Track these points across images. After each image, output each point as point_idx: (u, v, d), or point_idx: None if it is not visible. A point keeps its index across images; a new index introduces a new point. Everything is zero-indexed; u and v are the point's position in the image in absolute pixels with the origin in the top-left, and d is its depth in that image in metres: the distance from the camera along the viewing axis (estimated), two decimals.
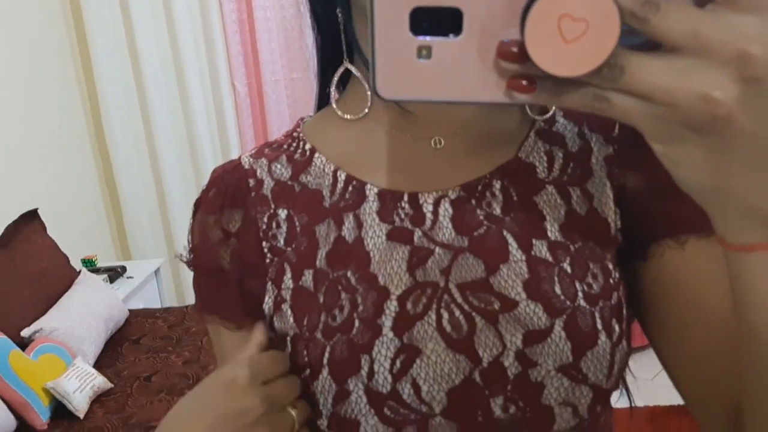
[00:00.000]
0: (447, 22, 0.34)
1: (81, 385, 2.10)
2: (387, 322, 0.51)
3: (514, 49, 0.33)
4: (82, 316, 2.40)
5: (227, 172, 0.61)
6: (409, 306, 0.52)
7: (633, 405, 0.66)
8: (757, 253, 0.36)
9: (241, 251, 0.59)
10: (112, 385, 2.23)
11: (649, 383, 2.28)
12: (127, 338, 2.59)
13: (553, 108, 0.58)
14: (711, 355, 0.51)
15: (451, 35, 0.34)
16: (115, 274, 2.96)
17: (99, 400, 2.15)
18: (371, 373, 0.51)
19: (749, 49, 0.30)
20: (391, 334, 0.51)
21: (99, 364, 2.38)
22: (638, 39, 0.32)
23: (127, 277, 3.00)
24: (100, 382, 2.17)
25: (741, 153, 0.33)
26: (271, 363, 0.53)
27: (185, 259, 0.63)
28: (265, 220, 0.58)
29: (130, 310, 2.76)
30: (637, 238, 0.54)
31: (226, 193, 0.60)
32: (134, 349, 2.51)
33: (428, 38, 0.34)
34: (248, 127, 3.48)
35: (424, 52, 0.34)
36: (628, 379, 0.62)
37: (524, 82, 0.34)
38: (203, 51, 3.29)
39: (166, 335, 2.59)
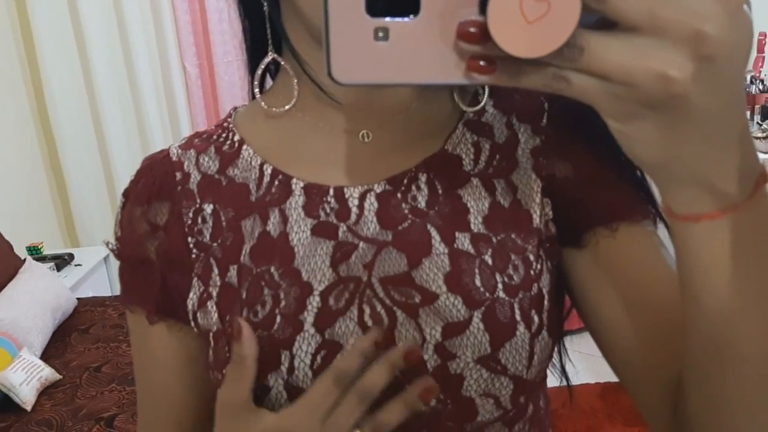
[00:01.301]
0: (404, 2, 0.33)
1: (28, 377, 2.04)
2: (309, 317, 0.51)
3: (475, 30, 0.32)
4: (28, 306, 2.33)
5: (155, 164, 0.61)
6: (331, 301, 0.52)
7: (570, 384, 0.67)
8: (703, 223, 0.37)
9: (167, 245, 0.58)
10: (61, 377, 2.17)
11: (599, 360, 2.34)
12: (75, 328, 2.52)
13: (484, 99, 0.58)
14: (648, 341, 0.52)
15: (411, 16, 0.33)
16: (62, 262, 2.88)
17: (47, 392, 2.10)
18: (291, 369, 0.51)
19: (703, 27, 0.30)
20: (312, 330, 0.51)
21: (46, 356, 2.31)
22: (592, 17, 0.32)
23: (75, 265, 2.93)
24: (47, 373, 2.11)
25: (693, 127, 0.34)
26: (322, 397, 0.49)
27: (112, 248, 0.62)
28: (191, 215, 0.58)
29: (78, 299, 2.69)
30: (571, 227, 0.55)
31: (153, 185, 0.59)
32: (83, 339, 2.45)
33: (385, 19, 0.33)
34: (200, 109, 3.41)
35: (381, 33, 0.33)
36: (571, 363, 0.64)
37: (484, 63, 0.33)
38: (152, 31, 3.20)
39: (117, 324, 2.53)
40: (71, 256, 2.95)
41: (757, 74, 2.98)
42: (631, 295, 0.52)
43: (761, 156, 2.40)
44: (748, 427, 0.43)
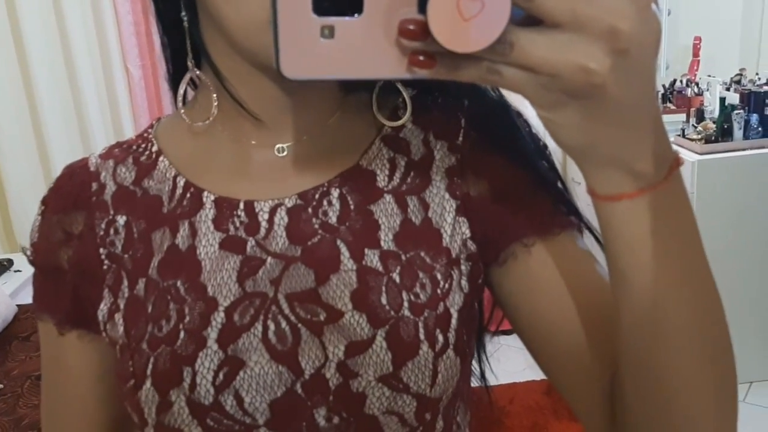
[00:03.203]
0: (349, 2, 0.35)
1: None
2: (212, 333, 0.51)
3: (415, 27, 0.34)
4: None
5: (74, 173, 0.61)
6: (236, 317, 0.52)
7: (489, 387, 0.68)
8: (623, 201, 0.40)
9: (80, 256, 0.58)
10: (2, 386, 2.10)
11: None
12: (15, 336, 2.44)
13: (407, 115, 0.58)
14: (581, 349, 0.53)
15: (355, 15, 0.35)
16: (0, 267, 2.76)
17: None
18: (193, 385, 0.50)
19: (618, 24, 0.33)
20: (215, 346, 0.51)
21: None
22: (520, 14, 0.34)
23: (15, 271, 2.80)
24: None
25: (610, 114, 0.37)
26: None
27: (27, 254, 0.61)
28: (103, 226, 0.57)
29: (18, 306, 2.58)
30: (490, 245, 0.56)
31: (70, 194, 0.59)
32: (24, 346, 2.37)
33: (331, 18, 0.35)
34: (143, 111, 3.34)
35: (327, 31, 0.35)
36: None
37: (425, 58, 0.36)
38: (93, 31, 3.12)
39: None
40: (10, 262, 2.83)
41: (693, 78, 3.09)
42: (558, 306, 0.53)
43: (697, 157, 2.50)
44: (687, 407, 0.44)
